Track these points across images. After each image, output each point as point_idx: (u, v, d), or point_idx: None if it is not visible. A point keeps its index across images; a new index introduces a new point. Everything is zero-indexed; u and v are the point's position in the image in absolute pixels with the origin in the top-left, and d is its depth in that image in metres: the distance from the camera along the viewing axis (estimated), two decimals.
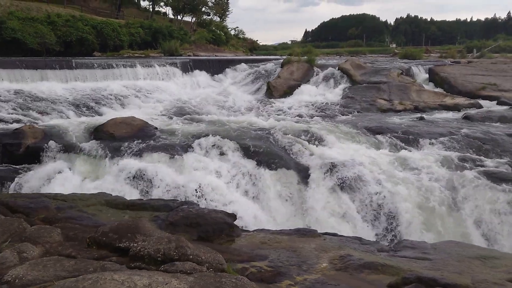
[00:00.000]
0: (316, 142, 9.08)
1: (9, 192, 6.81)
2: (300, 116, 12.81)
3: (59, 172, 7.48)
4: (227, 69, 21.42)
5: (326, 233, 4.64)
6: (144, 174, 7.27)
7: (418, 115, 12.67)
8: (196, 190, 7.04)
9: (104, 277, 2.25)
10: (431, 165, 7.99)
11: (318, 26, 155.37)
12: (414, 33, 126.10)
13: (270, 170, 7.78)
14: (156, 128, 9.52)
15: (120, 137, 8.62)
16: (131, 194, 6.84)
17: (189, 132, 9.13)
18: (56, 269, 2.64)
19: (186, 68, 19.81)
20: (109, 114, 11.87)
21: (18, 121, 9.96)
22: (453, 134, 9.61)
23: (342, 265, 3.50)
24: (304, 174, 7.87)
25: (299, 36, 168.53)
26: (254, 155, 8.09)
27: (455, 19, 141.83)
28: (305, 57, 20.24)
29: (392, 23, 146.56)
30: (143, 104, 14.00)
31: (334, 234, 4.67)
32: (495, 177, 7.35)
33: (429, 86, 17.26)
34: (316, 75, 18.31)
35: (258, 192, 7.44)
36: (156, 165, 7.51)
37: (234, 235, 4.27)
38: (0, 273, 2.57)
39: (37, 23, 26.75)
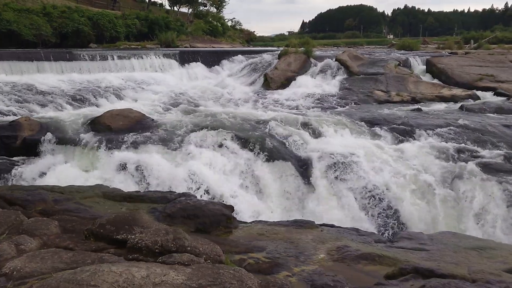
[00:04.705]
0: (314, 134, 9.08)
1: (6, 185, 6.79)
2: (297, 107, 12.80)
3: (56, 165, 7.47)
4: (223, 61, 21.33)
5: (323, 224, 4.65)
6: (141, 166, 7.26)
7: (416, 106, 12.67)
8: (193, 181, 7.04)
9: (102, 269, 2.25)
10: (428, 156, 8.01)
11: (315, 17, 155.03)
12: (412, 24, 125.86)
13: (267, 162, 7.78)
14: (153, 120, 9.50)
15: (117, 129, 8.60)
16: (128, 186, 6.84)
17: (186, 124, 9.11)
18: (54, 261, 2.64)
19: (183, 59, 19.73)
20: (106, 106, 11.85)
21: (14, 113, 9.92)
22: (450, 125, 9.63)
23: (339, 256, 3.52)
24: (301, 165, 7.87)
25: (296, 27, 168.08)
26: (251, 146, 8.09)
27: (452, 10, 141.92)
28: (302, 48, 20.15)
29: (390, 14, 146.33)
30: (140, 96, 13.96)
31: (331, 225, 4.68)
32: (491, 168, 7.38)
33: (426, 78, 17.24)
34: (314, 66, 18.24)
35: (255, 184, 7.45)
36: (153, 157, 7.50)
37: (231, 227, 4.28)
38: None
39: (32, 15, 26.51)
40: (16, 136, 8.04)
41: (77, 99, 12.14)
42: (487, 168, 7.39)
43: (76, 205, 4.53)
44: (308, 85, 16.35)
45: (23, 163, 7.53)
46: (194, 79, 18.59)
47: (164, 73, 17.83)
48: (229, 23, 57.87)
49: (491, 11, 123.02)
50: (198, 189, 6.95)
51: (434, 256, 3.58)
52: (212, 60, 21.06)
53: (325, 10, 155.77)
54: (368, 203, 7.04)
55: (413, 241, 4.07)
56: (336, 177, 7.49)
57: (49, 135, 8.09)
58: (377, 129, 9.61)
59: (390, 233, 6.45)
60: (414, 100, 13.86)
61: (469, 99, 13.81)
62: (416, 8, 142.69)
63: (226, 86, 16.82)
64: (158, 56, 18.84)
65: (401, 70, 17.23)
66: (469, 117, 10.80)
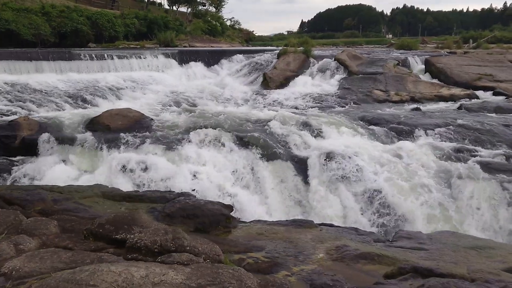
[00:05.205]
0: (313, 133, 9.07)
1: (5, 184, 6.78)
2: (296, 107, 12.79)
3: (55, 164, 7.46)
4: (222, 60, 21.28)
5: (322, 224, 4.66)
6: (140, 166, 7.26)
7: (415, 106, 12.67)
8: (192, 181, 7.04)
9: (101, 269, 2.25)
10: (427, 156, 8.01)
11: (314, 16, 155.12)
12: (411, 24, 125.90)
13: (266, 161, 7.78)
14: (152, 119, 9.49)
15: (116, 129, 8.60)
16: (128, 185, 6.83)
17: (186, 124, 9.10)
18: (53, 261, 2.64)
19: (182, 59, 19.71)
20: (105, 105, 11.82)
21: (13, 113, 9.90)
22: (449, 125, 9.63)
23: (338, 255, 3.52)
24: (300, 165, 7.87)
25: (295, 27, 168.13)
26: (250, 146, 8.08)
27: (451, 10, 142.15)
28: (301, 48, 20.14)
29: (389, 14, 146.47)
30: (139, 95, 13.94)
31: (331, 225, 4.69)
32: (491, 168, 7.38)
33: (425, 77, 17.25)
34: (313, 66, 18.23)
35: (255, 184, 7.44)
36: (152, 157, 7.50)
37: (230, 226, 4.28)
38: None
39: (31, 14, 26.47)
40: (15, 135, 8.03)
41: (76, 99, 12.11)
42: (486, 167, 7.39)
43: (75, 205, 4.53)
44: (307, 84, 16.35)
45: (22, 163, 7.52)
46: (193, 78, 18.55)
47: (163, 73, 17.81)
48: (228, 23, 57.85)
49: (490, 10, 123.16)
50: (197, 188, 6.95)
51: (433, 255, 3.59)
52: (211, 59, 21.01)
53: (324, 10, 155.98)
54: (367, 203, 7.04)
55: (412, 241, 4.07)
56: (335, 177, 7.49)
57: (48, 135, 8.08)
58: (376, 129, 9.61)
59: (389, 233, 6.45)
60: (413, 100, 13.86)
61: (468, 99, 13.82)
62: (415, 7, 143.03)
63: (225, 86, 16.80)
64: (157, 55, 18.82)
65: (400, 70, 17.23)
66: (468, 116, 10.81)
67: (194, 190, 6.87)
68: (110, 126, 8.67)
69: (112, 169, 7.28)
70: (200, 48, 29.55)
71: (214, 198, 6.66)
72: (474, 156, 7.99)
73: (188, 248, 2.80)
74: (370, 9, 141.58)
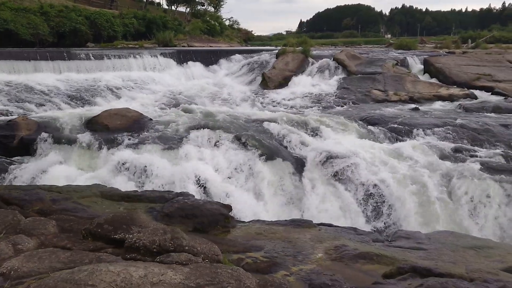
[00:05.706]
0: (312, 133, 9.08)
1: (4, 184, 6.77)
2: (295, 107, 12.80)
3: (54, 164, 7.45)
4: (221, 60, 21.30)
5: (321, 224, 4.65)
6: (139, 166, 7.25)
7: (413, 105, 12.69)
8: (191, 181, 7.03)
9: (99, 269, 2.24)
10: (426, 156, 8.02)
11: (313, 16, 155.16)
12: (409, 24, 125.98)
13: (265, 161, 7.78)
14: (151, 119, 9.48)
15: (114, 129, 8.59)
16: (126, 185, 6.82)
17: (184, 123, 9.09)
18: (51, 261, 2.63)
19: (181, 59, 19.71)
20: (103, 105, 11.82)
21: (11, 112, 9.89)
22: (447, 125, 9.64)
23: (337, 255, 3.51)
24: (299, 165, 7.87)
25: (294, 27, 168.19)
26: (249, 146, 8.08)
27: (450, 10, 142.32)
28: (300, 47, 20.16)
29: (387, 14, 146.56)
30: (138, 95, 13.93)
31: (329, 225, 4.68)
32: (489, 167, 7.39)
33: (424, 77, 17.27)
34: (311, 65, 18.25)
35: (253, 183, 7.44)
36: (151, 157, 7.49)
37: (229, 226, 4.27)
38: None
39: (29, 14, 26.44)
40: (14, 135, 8.02)
41: (75, 99, 12.11)
42: (485, 167, 7.40)
43: (74, 205, 4.52)
44: (306, 84, 16.37)
45: (21, 163, 7.50)
46: (192, 78, 18.56)
47: (162, 73, 17.81)
48: (227, 23, 57.91)
49: (489, 10, 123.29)
50: (195, 188, 6.94)
51: (432, 255, 3.59)
52: (210, 59, 21.03)
53: (323, 10, 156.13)
54: (366, 202, 7.05)
55: (411, 240, 4.07)
56: (334, 177, 7.49)
57: (46, 135, 8.06)
58: (375, 129, 9.62)
59: (387, 232, 6.45)
60: (412, 100, 13.88)
61: (467, 99, 13.84)
62: (414, 7, 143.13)
63: (224, 86, 16.80)
64: (156, 55, 18.81)
65: (398, 70, 17.25)
66: (466, 116, 10.82)
67: (193, 189, 6.87)
68: (109, 126, 8.66)
69: (110, 169, 7.27)
70: (199, 48, 29.56)
71: (213, 197, 6.66)
72: (473, 156, 8.00)
73: (186, 248, 2.79)
74: (368, 9, 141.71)
